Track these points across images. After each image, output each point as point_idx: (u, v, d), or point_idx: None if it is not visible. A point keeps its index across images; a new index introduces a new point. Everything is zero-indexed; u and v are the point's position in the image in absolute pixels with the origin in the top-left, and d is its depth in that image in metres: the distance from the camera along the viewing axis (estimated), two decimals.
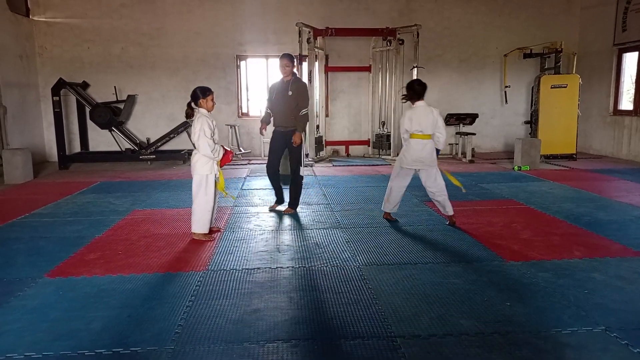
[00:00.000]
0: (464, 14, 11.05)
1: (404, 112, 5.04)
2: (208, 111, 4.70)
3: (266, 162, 5.88)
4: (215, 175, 4.71)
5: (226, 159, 4.77)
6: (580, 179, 7.80)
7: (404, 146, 5.17)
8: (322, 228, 5.18)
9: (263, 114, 6.00)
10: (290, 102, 5.53)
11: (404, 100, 5.14)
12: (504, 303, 3.30)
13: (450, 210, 5.13)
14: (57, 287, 3.62)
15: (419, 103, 5.00)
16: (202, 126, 4.53)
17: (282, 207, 5.93)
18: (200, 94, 4.65)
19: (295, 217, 5.66)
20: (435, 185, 5.06)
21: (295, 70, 5.73)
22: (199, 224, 4.72)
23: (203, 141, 4.52)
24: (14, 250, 4.53)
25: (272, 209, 5.94)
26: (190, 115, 4.70)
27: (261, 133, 5.98)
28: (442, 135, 4.99)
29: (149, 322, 3.06)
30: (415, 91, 5.00)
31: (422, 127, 4.93)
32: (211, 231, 4.89)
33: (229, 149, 4.83)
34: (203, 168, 4.64)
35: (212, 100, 4.72)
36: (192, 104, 4.69)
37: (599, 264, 4.00)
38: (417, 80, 5.14)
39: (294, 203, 5.84)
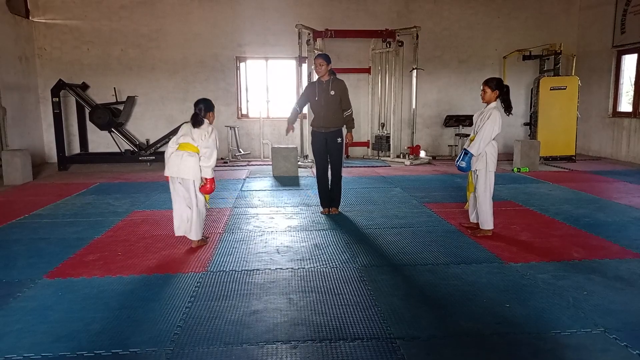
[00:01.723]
0: (463, 15, 11.07)
1: (494, 114, 4.63)
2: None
3: (315, 167, 5.79)
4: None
5: (208, 188, 4.51)
6: (579, 181, 7.80)
7: (489, 150, 4.76)
8: (321, 229, 5.18)
9: (290, 113, 5.79)
10: (334, 102, 5.53)
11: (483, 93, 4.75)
12: (503, 304, 3.31)
13: (476, 218, 4.99)
14: (57, 289, 3.62)
15: (494, 104, 4.73)
16: (216, 139, 4.48)
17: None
18: (213, 107, 4.57)
19: (294, 218, 5.66)
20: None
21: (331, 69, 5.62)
22: (200, 231, 4.57)
23: (215, 156, 4.47)
24: (13, 251, 4.53)
25: (325, 213, 5.81)
26: (199, 123, 4.43)
27: (287, 133, 5.87)
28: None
29: (148, 324, 3.06)
30: (497, 86, 4.69)
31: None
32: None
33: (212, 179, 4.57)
34: (197, 172, 4.41)
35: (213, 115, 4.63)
36: (204, 116, 4.44)
37: (598, 266, 4.00)
38: (495, 77, 4.86)
39: (339, 202, 5.85)
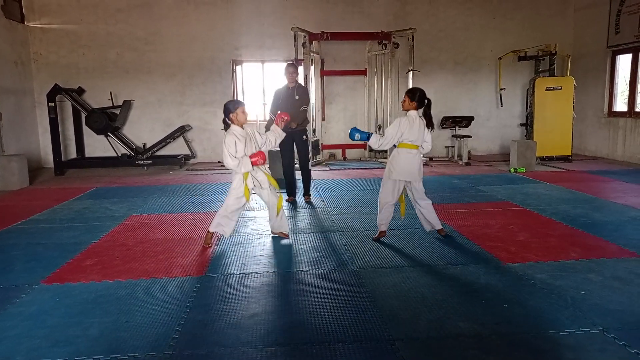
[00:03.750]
0: (459, 16, 11.10)
1: (397, 119, 4.63)
2: (241, 124, 4.53)
3: (282, 162, 6.60)
4: (252, 187, 4.59)
5: (254, 162, 4.52)
6: (576, 181, 7.83)
7: (393, 160, 4.67)
8: (319, 232, 5.18)
9: (267, 123, 6.59)
10: (298, 105, 6.32)
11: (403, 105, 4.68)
12: (502, 305, 3.31)
13: (438, 224, 4.83)
14: (54, 294, 3.61)
15: (413, 112, 4.61)
16: (226, 142, 4.46)
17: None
18: (231, 108, 4.50)
19: (292, 220, 5.66)
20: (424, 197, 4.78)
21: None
22: (215, 224, 4.69)
23: (226, 159, 4.46)
24: (10, 256, 4.51)
25: (290, 200, 6.59)
26: (226, 129, 4.61)
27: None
28: (428, 143, 4.70)
29: (146, 328, 3.05)
30: (417, 98, 4.57)
31: (415, 136, 4.57)
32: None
33: (256, 152, 4.57)
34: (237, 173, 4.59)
35: (244, 112, 4.52)
36: (227, 119, 4.55)
37: (596, 265, 4.01)
38: (420, 88, 4.71)
39: (309, 190, 6.71)
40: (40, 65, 10.31)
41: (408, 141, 4.56)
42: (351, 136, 4.67)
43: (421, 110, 4.63)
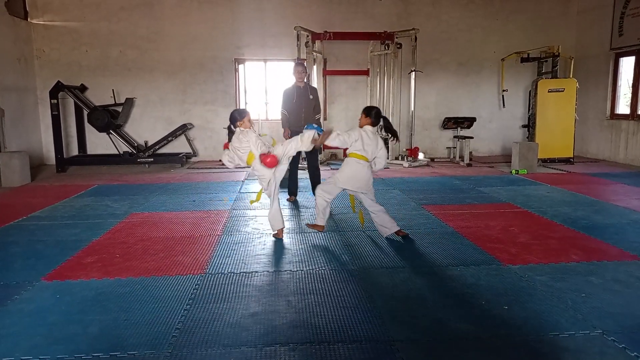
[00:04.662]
0: (462, 18, 11.09)
1: (353, 129, 4.70)
2: None
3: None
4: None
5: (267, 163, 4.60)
6: (577, 183, 7.82)
7: (342, 170, 4.74)
8: (319, 231, 5.17)
9: (282, 119, 6.50)
10: (311, 105, 6.40)
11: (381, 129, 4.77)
12: (502, 307, 3.31)
13: (395, 226, 4.84)
14: (55, 291, 3.61)
15: (369, 128, 4.66)
16: (253, 140, 4.62)
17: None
18: (238, 117, 4.68)
19: (293, 220, 5.66)
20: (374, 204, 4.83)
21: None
22: (275, 222, 4.90)
23: (255, 150, 4.62)
24: (10, 253, 4.52)
25: (292, 200, 6.58)
26: (231, 134, 4.80)
27: (286, 138, 6.40)
28: (381, 159, 4.74)
29: (146, 326, 3.06)
30: (373, 115, 4.66)
31: (366, 149, 4.59)
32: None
33: (268, 153, 4.65)
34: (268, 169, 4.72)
35: (249, 121, 4.70)
36: (232, 127, 4.74)
37: (596, 268, 4.01)
38: (376, 107, 4.83)
39: None
40: (43, 62, 10.33)
41: (356, 150, 4.60)
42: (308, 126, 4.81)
43: (377, 127, 4.77)
